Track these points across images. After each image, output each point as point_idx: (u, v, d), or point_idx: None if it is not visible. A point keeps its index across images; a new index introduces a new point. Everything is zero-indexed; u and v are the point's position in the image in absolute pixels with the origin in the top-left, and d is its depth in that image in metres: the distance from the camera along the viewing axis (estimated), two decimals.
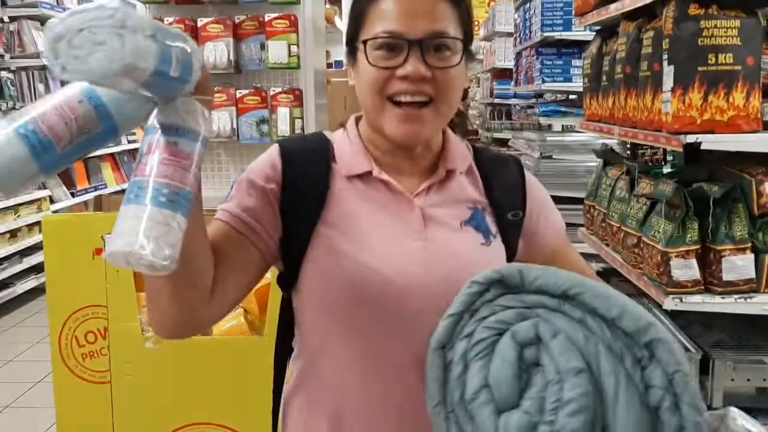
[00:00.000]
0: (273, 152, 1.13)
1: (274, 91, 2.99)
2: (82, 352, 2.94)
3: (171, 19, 2.95)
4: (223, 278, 1.04)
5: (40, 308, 5.38)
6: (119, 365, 2.36)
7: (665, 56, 1.87)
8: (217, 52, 2.91)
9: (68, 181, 6.24)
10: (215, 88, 2.97)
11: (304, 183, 1.09)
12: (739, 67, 1.78)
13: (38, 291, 5.61)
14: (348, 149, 1.13)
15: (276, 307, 1.25)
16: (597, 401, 0.81)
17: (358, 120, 1.17)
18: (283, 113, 2.94)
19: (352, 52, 1.11)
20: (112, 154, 7.03)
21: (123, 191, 0.95)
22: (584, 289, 0.85)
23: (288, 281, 1.12)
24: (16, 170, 0.84)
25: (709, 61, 1.79)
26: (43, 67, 5.83)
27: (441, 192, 1.13)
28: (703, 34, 1.79)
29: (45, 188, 5.84)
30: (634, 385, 0.81)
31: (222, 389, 2.24)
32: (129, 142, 6.80)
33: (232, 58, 2.94)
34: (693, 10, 1.81)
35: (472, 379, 0.87)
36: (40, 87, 5.85)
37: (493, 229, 1.13)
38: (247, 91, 2.98)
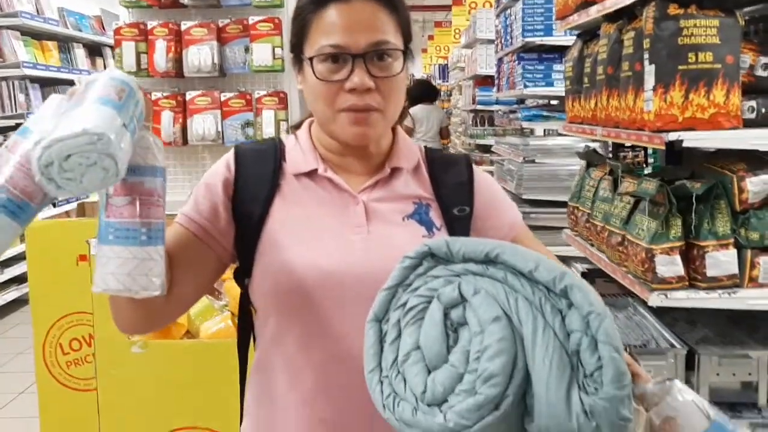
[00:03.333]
0: (228, 155, 1.21)
1: (258, 94, 2.99)
2: (67, 359, 2.91)
3: (155, 23, 2.94)
4: (179, 280, 1.11)
5: (22, 319, 5.32)
6: (105, 371, 2.33)
7: (646, 56, 1.89)
8: (201, 55, 2.91)
9: None
10: (200, 92, 2.99)
11: (253, 181, 1.17)
12: (719, 66, 1.81)
13: (20, 302, 5.55)
14: (297, 150, 1.21)
15: None
16: (518, 347, 0.84)
17: (310, 125, 1.24)
18: (267, 116, 2.94)
19: (297, 59, 1.18)
20: None
21: None
22: (503, 249, 0.91)
23: (242, 276, 1.17)
24: (2, 234, 0.90)
25: (690, 60, 1.82)
26: (24, 77, 5.79)
27: (385, 188, 1.18)
28: (683, 33, 1.82)
29: None
30: (552, 331, 0.84)
31: (210, 392, 2.22)
32: None
33: (216, 61, 2.94)
34: (673, 9, 1.84)
35: (405, 343, 0.92)
36: (20, 97, 5.80)
37: (438, 222, 1.18)
38: (231, 95, 2.97)
